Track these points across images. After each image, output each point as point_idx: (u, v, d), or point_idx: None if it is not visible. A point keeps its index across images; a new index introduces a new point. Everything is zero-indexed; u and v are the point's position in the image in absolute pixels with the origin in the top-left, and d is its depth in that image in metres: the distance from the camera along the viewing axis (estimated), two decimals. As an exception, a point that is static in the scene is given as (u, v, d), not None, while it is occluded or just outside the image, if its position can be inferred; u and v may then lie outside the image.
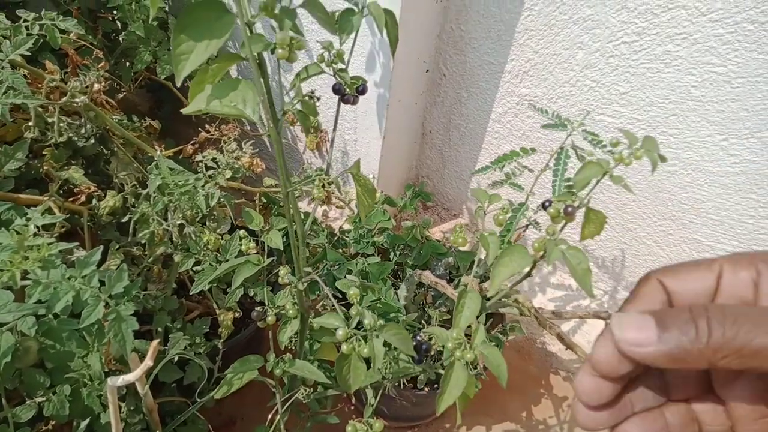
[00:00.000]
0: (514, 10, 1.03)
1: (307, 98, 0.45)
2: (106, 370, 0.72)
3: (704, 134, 0.94)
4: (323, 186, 0.46)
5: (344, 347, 0.50)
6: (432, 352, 0.70)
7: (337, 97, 0.51)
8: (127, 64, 1.17)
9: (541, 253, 0.46)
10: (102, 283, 0.60)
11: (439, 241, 1.11)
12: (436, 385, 1.01)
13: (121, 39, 1.12)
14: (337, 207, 1.22)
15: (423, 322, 1.02)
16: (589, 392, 0.31)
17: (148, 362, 0.57)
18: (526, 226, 0.92)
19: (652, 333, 0.27)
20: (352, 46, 0.51)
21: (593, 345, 0.30)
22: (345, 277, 0.98)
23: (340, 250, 1.09)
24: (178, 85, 0.36)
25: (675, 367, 0.27)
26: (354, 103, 0.48)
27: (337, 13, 0.46)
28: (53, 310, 0.55)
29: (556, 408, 1.19)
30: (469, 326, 0.53)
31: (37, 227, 0.57)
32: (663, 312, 0.28)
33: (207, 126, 1.09)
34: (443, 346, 0.65)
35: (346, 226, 1.14)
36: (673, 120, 0.95)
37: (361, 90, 0.48)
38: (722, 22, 0.82)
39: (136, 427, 0.77)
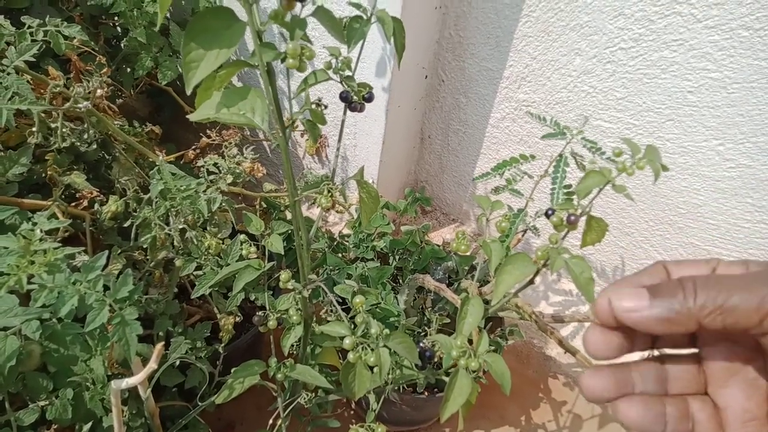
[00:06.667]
0: (512, 17, 1.04)
1: (314, 106, 0.45)
2: (109, 373, 0.73)
3: (700, 139, 0.95)
4: (330, 195, 0.46)
5: (351, 356, 0.50)
6: (436, 359, 0.70)
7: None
8: (128, 69, 1.18)
9: (544, 261, 0.46)
10: (106, 287, 0.60)
11: (438, 245, 1.11)
12: (435, 389, 1.01)
13: (122, 45, 1.12)
14: (337, 212, 1.23)
15: (423, 326, 1.02)
16: (596, 342, 0.34)
17: (153, 365, 0.57)
18: (525, 231, 0.93)
19: (645, 301, 0.31)
20: (359, 53, 0.52)
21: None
22: (344, 281, 0.99)
23: (340, 255, 1.10)
24: (189, 93, 0.36)
25: (666, 331, 0.31)
26: (361, 110, 0.49)
27: (345, 20, 0.46)
28: (59, 315, 0.55)
29: (555, 412, 1.20)
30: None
31: (42, 231, 0.58)
32: (655, 284, 0.32)
33: (208, 131, 1.09)
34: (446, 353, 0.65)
35: (346, 231, 1.14)
36: (670, 125, 0.97)
37: (368, 98, 0.48)
38: (718, 29, 0.84)
39: (138, 431, 0.77)
